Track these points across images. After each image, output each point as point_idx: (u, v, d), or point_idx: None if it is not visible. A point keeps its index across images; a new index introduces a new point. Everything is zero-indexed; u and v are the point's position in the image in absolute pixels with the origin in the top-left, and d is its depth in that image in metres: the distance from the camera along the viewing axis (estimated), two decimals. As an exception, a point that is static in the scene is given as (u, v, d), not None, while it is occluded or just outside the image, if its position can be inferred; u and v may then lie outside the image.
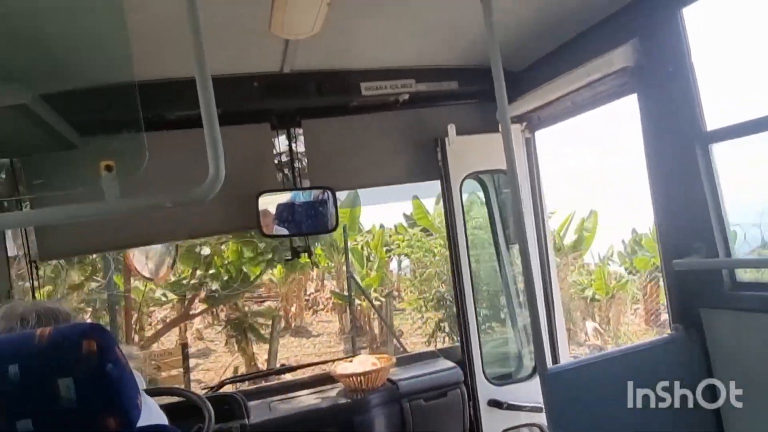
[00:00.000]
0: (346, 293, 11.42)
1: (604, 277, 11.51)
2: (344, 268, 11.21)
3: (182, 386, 8.62)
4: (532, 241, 3.05)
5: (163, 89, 2.35)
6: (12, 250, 2.52)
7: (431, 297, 11.42)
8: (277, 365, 9.00)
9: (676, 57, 2.11)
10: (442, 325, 11.18)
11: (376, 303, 11.46)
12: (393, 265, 13.12)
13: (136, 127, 1.20)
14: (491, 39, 1.94)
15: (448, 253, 3.00)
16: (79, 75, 1.52)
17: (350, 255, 10.63)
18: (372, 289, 11.59)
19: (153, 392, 2.44)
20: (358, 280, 10.94)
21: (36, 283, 2.46)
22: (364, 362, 2.87)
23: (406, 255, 12.24)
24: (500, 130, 2.06)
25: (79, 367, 1.07)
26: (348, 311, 11.68)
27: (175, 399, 2.52)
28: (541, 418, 2.92)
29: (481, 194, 3.34)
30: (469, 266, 2.96)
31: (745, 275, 2.13)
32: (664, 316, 10.75)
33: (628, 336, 11.43)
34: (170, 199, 1.12)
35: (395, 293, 12.95)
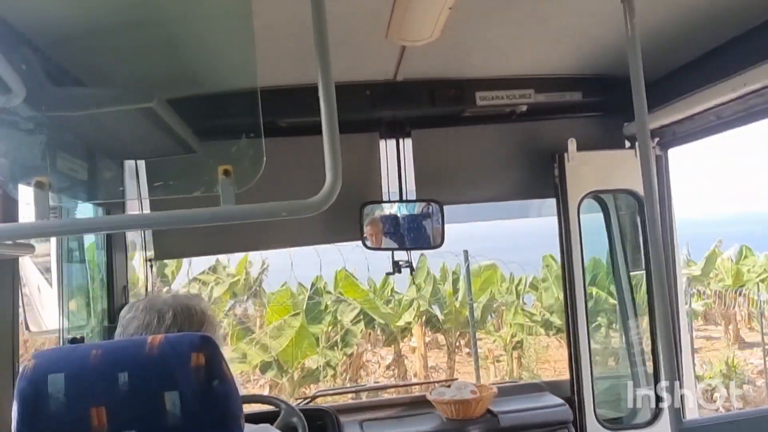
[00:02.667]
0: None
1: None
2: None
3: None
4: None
5: (276, 96, 2.36)
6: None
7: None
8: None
9: None
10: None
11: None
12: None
13: (256, 134, 1.15)
14: (633, 45, 1.73)
15: (561, 280, 2.75)
16: (203, 81, 1.53)
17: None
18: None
19: (248, 399, 2.44)
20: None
21: (151, 282, 2.56)
22: (462, 389, 2.69)
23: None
24: (632, 146, 1.85)
25: (187, 381, 1.02)
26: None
27: (265, 407, 2.51)
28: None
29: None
30: (584, 295, 2.70)
31: None
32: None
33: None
34: (286, 209, 1.05)
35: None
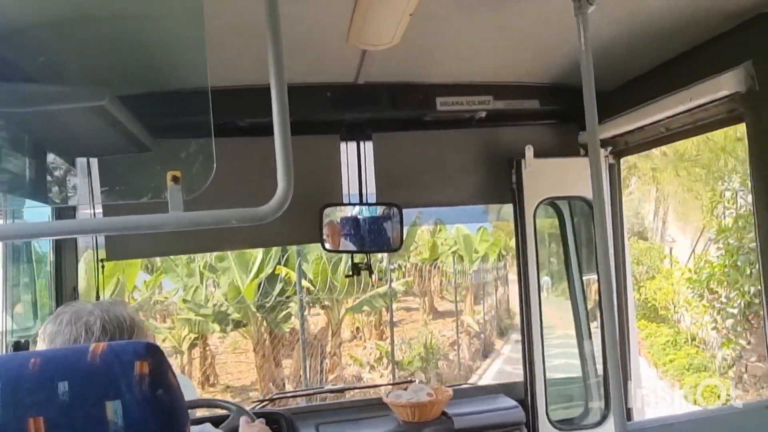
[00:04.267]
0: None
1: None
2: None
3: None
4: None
5: (237, 95, 2.33)
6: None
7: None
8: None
9: None
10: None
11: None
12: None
13: (207, 137, 1.13)
14: (585, 58, 1.79)
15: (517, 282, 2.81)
16: (155, 79, 1.50)
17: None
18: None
19: (200, 404, 2.39)
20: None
21: (101, 283, 2.49)
22: (418, 391, 2.71)
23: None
24: (587, 154, 1.93)
25: (130, 390, 1.00)
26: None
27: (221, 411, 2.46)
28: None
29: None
30: (539, 298, 2.77)
31: None
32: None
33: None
34: (235, 216, 1.04)
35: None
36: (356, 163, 2.73)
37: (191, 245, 2.85)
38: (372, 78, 2.56)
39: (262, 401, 2.99)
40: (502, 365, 14.79)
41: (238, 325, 10.47)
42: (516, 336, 18.16)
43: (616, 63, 2.42)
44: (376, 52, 2.20)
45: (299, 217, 2.59)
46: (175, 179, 1.03)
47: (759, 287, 9.40)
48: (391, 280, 11.84)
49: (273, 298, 9.82)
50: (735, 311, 10.15)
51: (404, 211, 2.65)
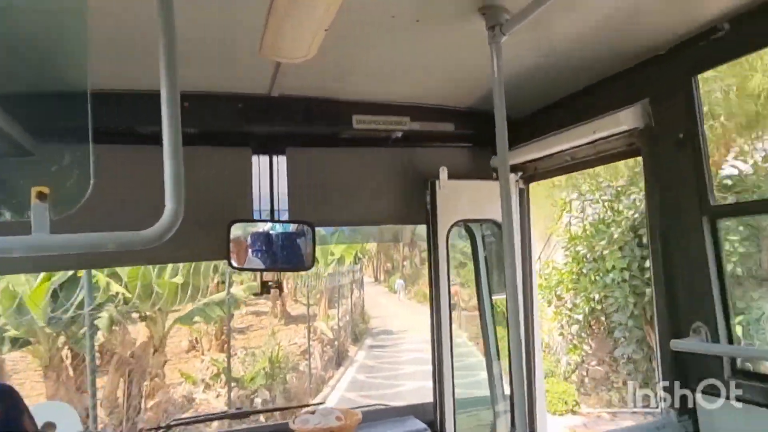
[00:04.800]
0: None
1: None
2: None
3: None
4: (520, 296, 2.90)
5: (138, 101, 2.15)
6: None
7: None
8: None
9: (687, 123, 2.00)
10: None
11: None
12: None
13: (86, 142, 1.00)
14: (498, 85, 1.82)
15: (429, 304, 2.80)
16: (31, 78, 1.34)
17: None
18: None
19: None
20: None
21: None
22: (327, 415, 2.62)
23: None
24: (498, 178, 1.96)
25: None
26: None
27: None
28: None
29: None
30: (450, 321, 2.77)
31: (747, 364, 1.99)
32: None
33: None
34: (114, 241, 0.92)
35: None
36: (268, 177, 2.62)
37: (79, 261, 2.59)
38: (287, 91, 2.47)
39: (158, 429, 2.77)
40: (356, 374, 14.16)
41: (23, 344, 8.41)
42: (370, 341, 17.65)
43: (527, 92, 2.50)
44: (291, 65, 2.13)
45: (205, 232, 2.43)
46: (41, 196, 0.89)
47: (603, 294, 10.23)
48: (230, 285, 10.06)
49: (72, 309, 7.67)
50: (580, 317, 10.88)
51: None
